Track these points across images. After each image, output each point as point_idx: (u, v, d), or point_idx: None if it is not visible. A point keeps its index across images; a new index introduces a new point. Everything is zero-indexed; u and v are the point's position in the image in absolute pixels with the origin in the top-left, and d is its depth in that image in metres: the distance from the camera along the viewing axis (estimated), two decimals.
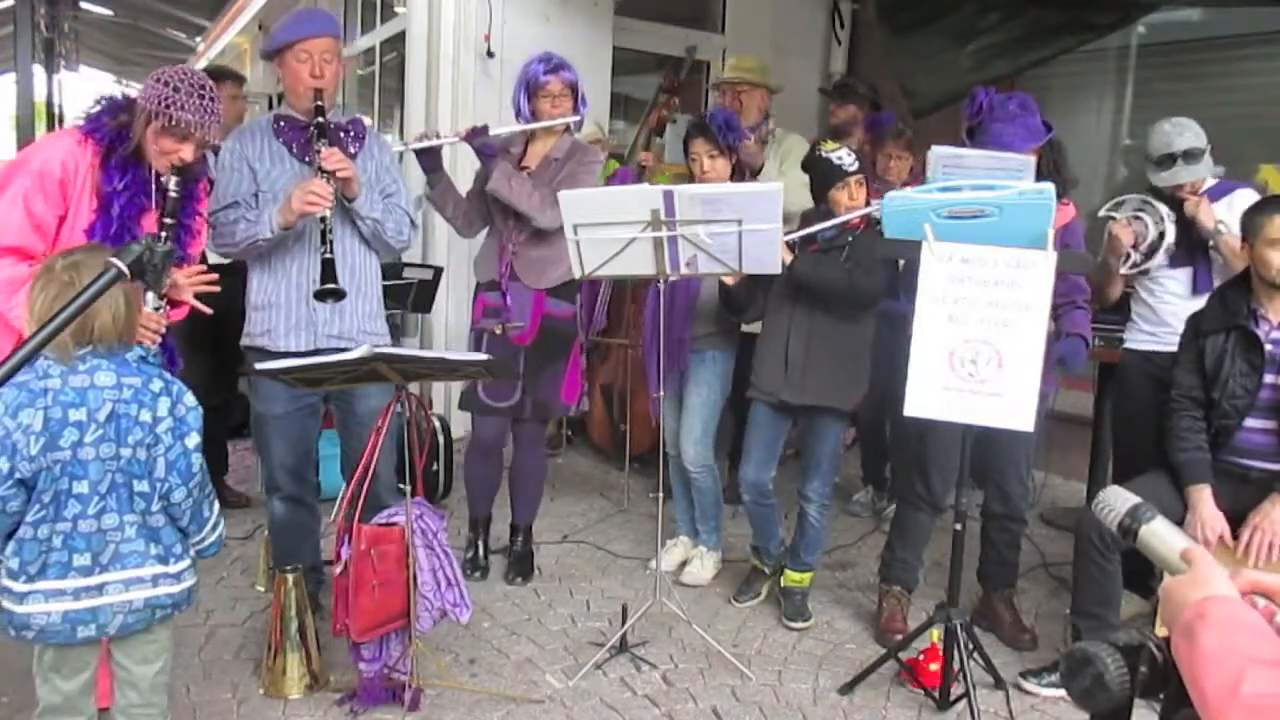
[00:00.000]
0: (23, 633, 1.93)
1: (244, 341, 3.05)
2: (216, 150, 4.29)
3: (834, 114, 4.89)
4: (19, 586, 1.91)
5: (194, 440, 2.03)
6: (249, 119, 4.54)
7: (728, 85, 4.57)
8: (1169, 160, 3.28)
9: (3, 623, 1.94)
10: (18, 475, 1.87)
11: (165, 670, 2.11)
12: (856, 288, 3.10)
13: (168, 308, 2.50)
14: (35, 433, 1.87)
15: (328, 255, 2.75)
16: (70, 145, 2.42)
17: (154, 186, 2.48)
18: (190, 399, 2.05)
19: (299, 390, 2.83)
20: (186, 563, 2.07)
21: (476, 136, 3.37)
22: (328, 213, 2.77)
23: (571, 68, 3.43)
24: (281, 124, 2.98)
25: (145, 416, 1.97)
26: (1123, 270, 3.39)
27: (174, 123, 2.37)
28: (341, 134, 2.99)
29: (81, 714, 2.06)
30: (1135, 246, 3.34)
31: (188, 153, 2.45)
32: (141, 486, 1.98)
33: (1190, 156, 3.25)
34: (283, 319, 2.96)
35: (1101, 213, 3.49)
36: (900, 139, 4.23)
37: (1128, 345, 3.55)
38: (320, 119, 2.85)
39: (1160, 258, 3.31)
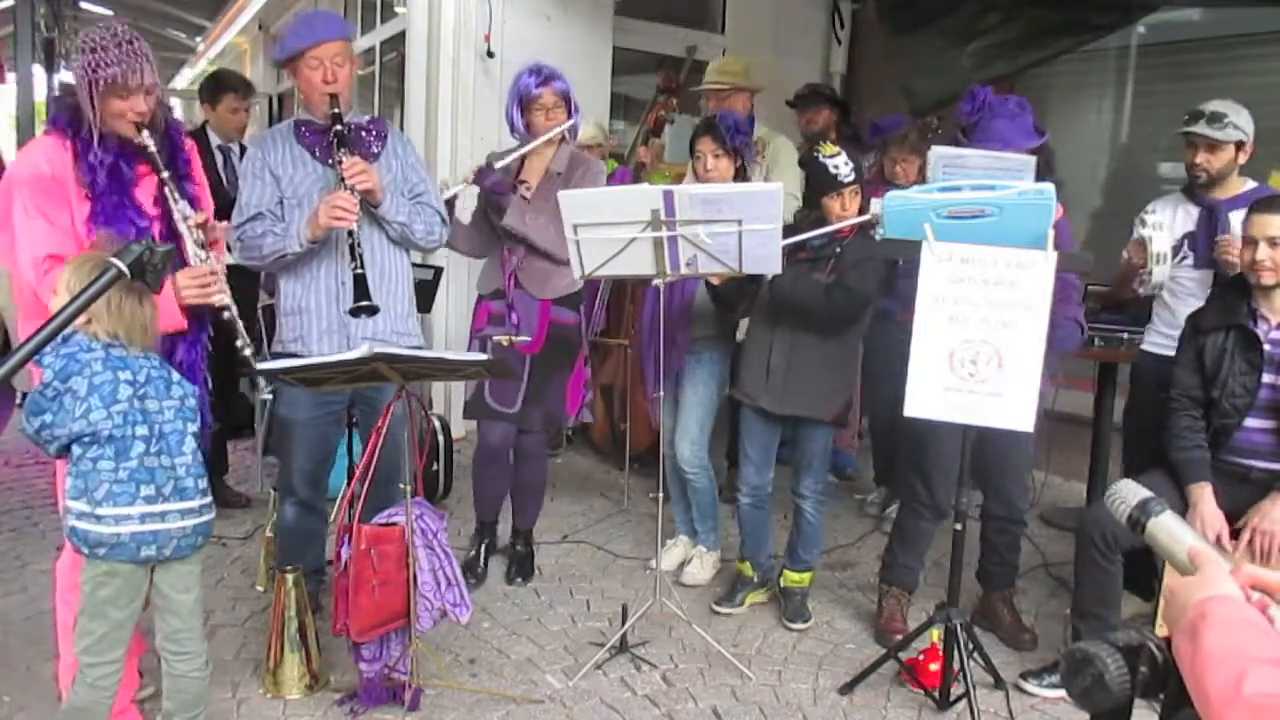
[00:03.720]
0: (95, 549, 2.15)
1: (275, 347, 3.06)
2: (242, 150, 4.30)
3: (812, 121, 4.88)
4: (91, 509, 2.15)
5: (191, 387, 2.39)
6: (251, 126, 4.54)
7: (710, 92, 4.57)
8: (1196, 116, 3.26)
9: (76, 541, 2.17)
10: (59, 434, 2.13)
11: (199, 598, 2.36)
12: (832, 308, 3.09)
13: (213, 259, 2.47)
14: (81, 397, 2.13)
15: (359, 271, 2.73)
16: (46, 144, 2.40)
17: (131, 153, 2.42)
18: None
19: (323, 396, 2.83)
20: (209, 496, 2.33)
21: (484, 176, 3.32)
22: (355, 226, 2.75)
23: (562, 77, 3.42)
24: (302, 129, 2.98)
25: (173, 376, 2.30)
26: (1140, 290, 3.33)
27: (109, 82, 2.29)
28: (363, 134, 2.99)
29: (124, 644, 2.26)
30: (1144, 266, 3.23)
31: (139, 104, 2.36)
32: (192, 428, 2.29)
33: (1215, 120, 3.22)
34: (315, 324, 2.96)
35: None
36: (905, 143, 4.22)
37: (1144, 348, 3.50)
38: (339, 126, 2.83)
39: (1162, 269, 3.20)
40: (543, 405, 3.46)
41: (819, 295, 3.09)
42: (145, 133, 2.37)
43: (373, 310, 2.77)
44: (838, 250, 3.13)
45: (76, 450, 2.14)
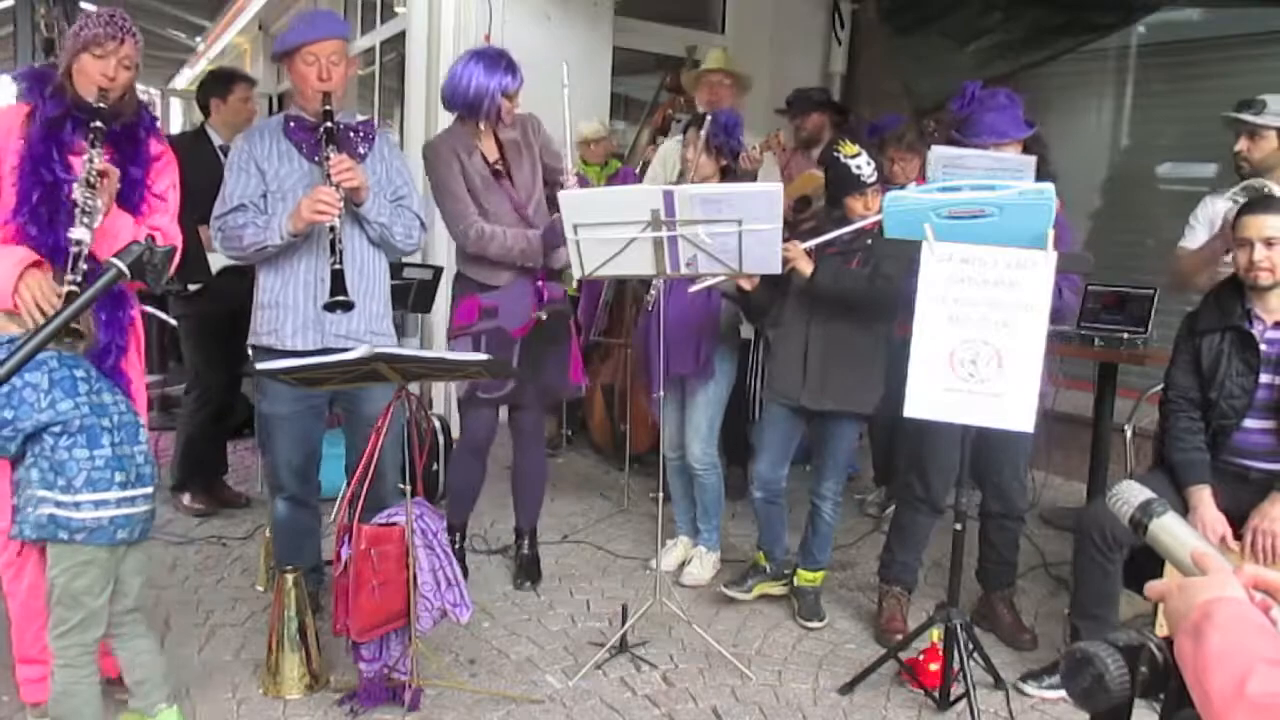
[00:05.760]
0: (75, 535, 2.22)
1: (251, 340, 3.05)
2: (225, 150, 4.29)
3: (803, 126, 4.89)
4: (69, 498, 2.22)
5: None
6: (258, 120, 4.53)
7: (716, 73, 4.57)
8: (1240, 105, 3.30)
9: (54, 529, 2.22)
10: (22, 427, 2.17)
11: (145, 580, 2.48)
12: (876, 297, 3.12)
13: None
14: (44, 390, 2.19)
15: (337, 266, 2.74)
16: (9, 107, 2.51)
17: (81, 121, 2.41)
18: None
19: (304, 391, 2.83)
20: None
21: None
22: (337, 221, 2.76)
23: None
24: (292, 124, 2.98)
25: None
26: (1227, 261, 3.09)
27: (89, 40, 2.38)
28: (351, 134, 2.99)
29: (99, 628, 2.34)
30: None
31: (110, 68, 2.41)
32: (140, 420, 2.38)
33: (1251, 106, 3.25)
34: (290, 319, 2.95)
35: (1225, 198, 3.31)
36: (901, 142, 4.23)
37: None
38: (329, 123, 2.84)
39: None
40: (541, 380, 3.43)
41: (864, 285, 3.13)
42: (104, 105, 2.40)
43: (348, 306, 2.77)
44: (869, 242, 3.15)
45: (48, 440, 2.20)
